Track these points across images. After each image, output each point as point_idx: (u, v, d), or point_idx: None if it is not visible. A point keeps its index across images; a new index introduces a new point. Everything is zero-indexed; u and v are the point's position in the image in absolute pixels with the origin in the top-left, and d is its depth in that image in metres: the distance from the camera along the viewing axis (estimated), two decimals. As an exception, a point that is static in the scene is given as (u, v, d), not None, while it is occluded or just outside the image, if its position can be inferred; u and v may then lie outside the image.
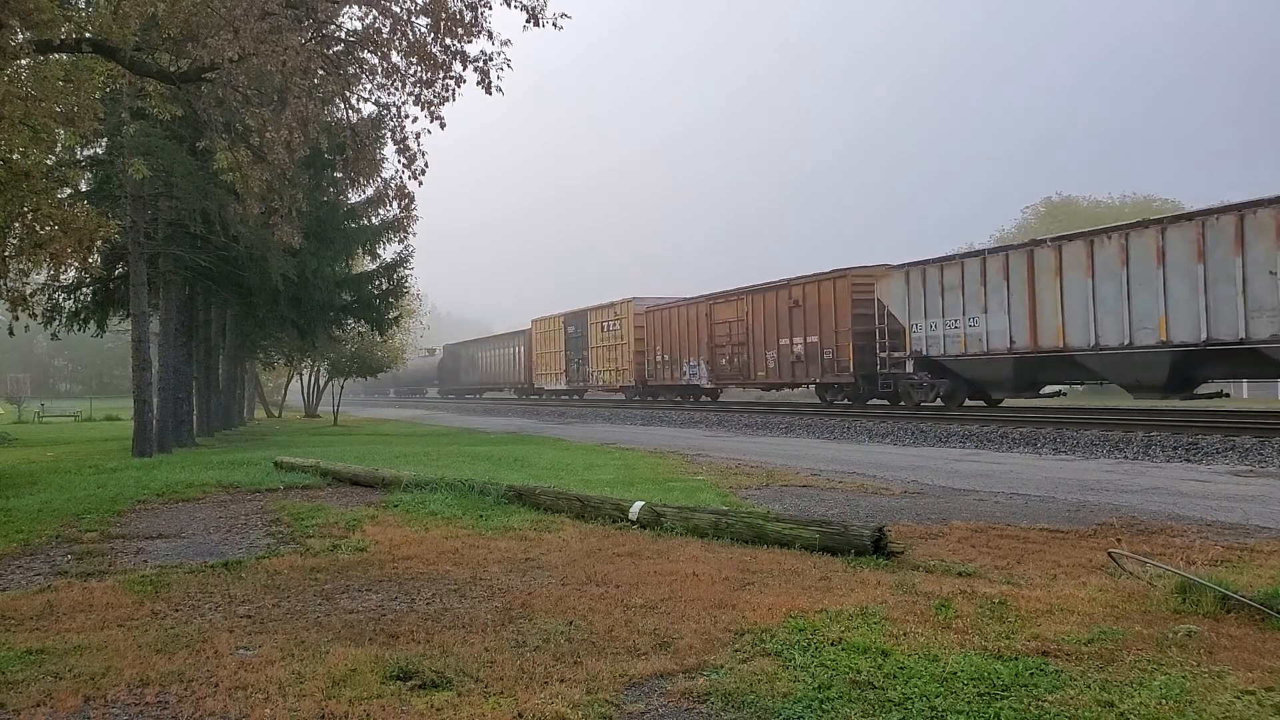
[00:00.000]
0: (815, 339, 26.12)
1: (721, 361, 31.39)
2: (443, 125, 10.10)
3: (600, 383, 41.05)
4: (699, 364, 32.89)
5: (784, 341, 27.58)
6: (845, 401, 26.53)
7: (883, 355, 23.92)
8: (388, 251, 25.80)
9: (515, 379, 52.79)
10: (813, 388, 28.56)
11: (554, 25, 9.98)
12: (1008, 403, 28.62)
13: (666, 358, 35.28)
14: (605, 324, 39.96)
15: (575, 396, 46.16)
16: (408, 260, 25.93)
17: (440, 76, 9.82)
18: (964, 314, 20.80)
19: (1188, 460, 12.81)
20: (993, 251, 21.11)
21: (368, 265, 27.36)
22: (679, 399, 35.97)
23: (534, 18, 9.84)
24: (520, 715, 3.30)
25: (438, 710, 3.35)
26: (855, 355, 24.72)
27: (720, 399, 36.10)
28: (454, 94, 9.97)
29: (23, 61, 10.06)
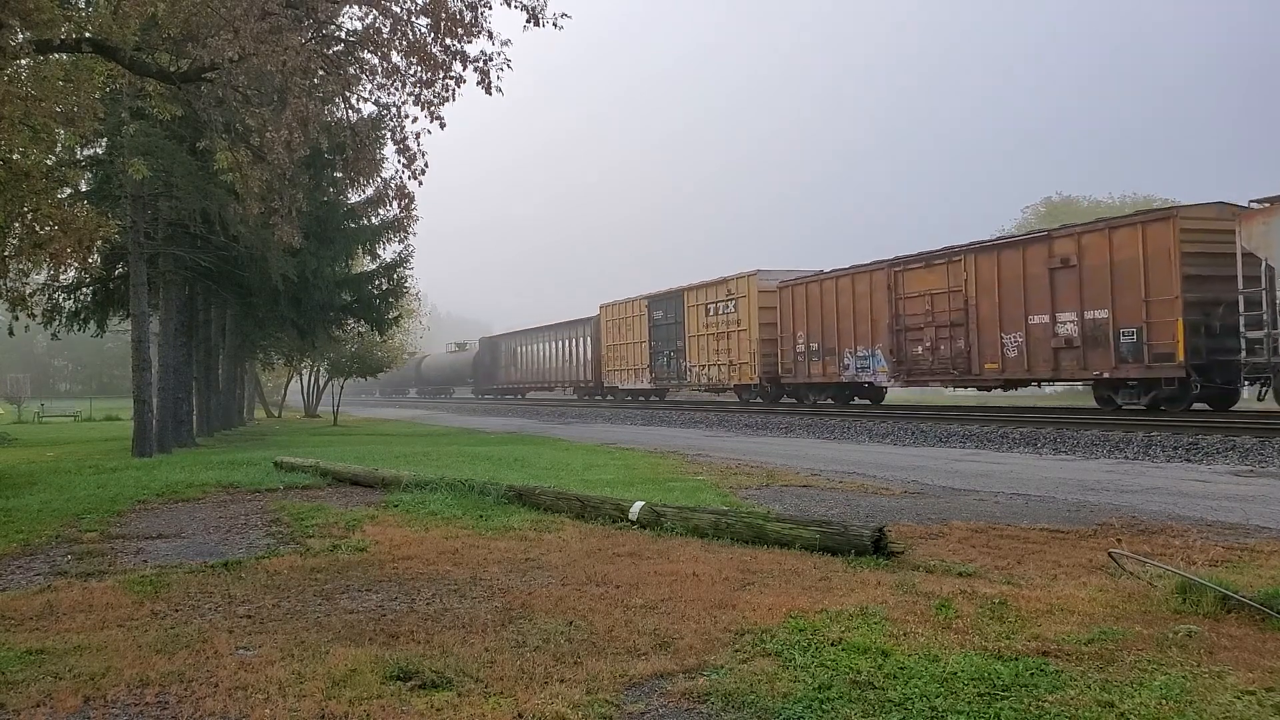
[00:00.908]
0: (1103, 313, 18.34)
1: (915, 350, 23.06)
2: (443, 125, 10.10)
3: (703, 380, 32.62)
4: (873, 354, 24.47)
5: (1038, 319, 19.77)
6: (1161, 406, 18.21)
7: (1256, 335, 15.75)
8: (388, 251, 25.83)
9: (575, 376, 44.78)
10: (1074, 384, 21.65)
11: (554, 25, 9.98)
12: (1008, 402, 27.90)
13: (813, 347, 26.53)
14: (712, 306, 31.34)
15: (656, 397, 38.96)
16: (408, 260, 25.96)
17: (440, 77, 9.82)
18: None
19: (1188, 460, 12.81)
20: None
21: (368, 265, 27.35)
22: (829, 400, 27.74)
23: (534, 18, 9.84)
24: (520, 715, 3.29)
25: (438, 710, 3.35)
26: (1187, 336, 16.85)
27: (884, 400, 28.37)
28: (454, 94, 9.96)
29: (23, 61, 10.06)
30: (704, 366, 32.26)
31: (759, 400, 30.31)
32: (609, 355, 39.85)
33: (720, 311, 31.15)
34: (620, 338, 38.73)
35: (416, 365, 71.54)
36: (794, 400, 29.39)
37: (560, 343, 46.30)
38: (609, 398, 41.43)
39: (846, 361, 25.54)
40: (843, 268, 25.90)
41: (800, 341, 27.34)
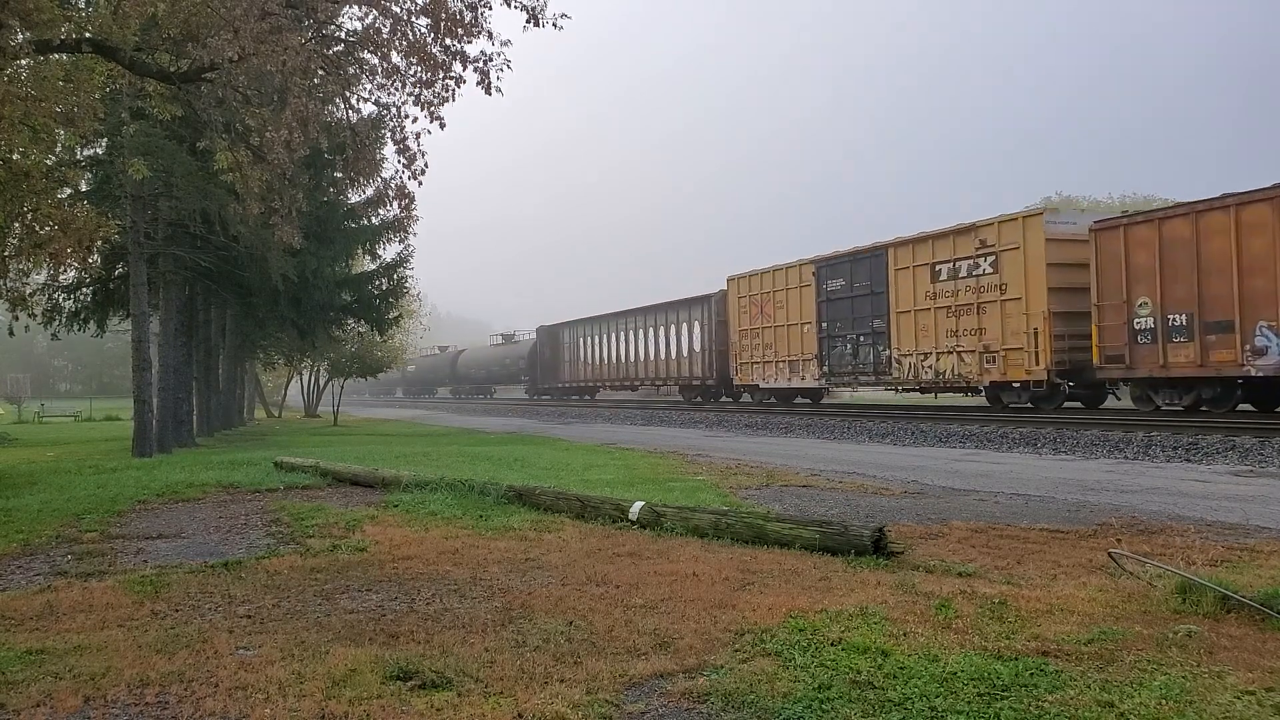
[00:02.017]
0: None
1: None
2: (442, 125, 10.10)
3: (926, 374, 22.43)
4: None
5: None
6: None
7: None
8: (388, 251, 25.82)
9: (679, 372, 34.79)
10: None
11: (554, 25, 9.97)
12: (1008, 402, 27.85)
13: (1176, 320, 16.84)
14: (946, 266, 21.79)
15: (814, 400, 29.77)
16: (408, 260, 25.95)
17: (440, 77, 9.82)
18: None
19: (1188, 460, 12.81)
20: None
21: (368, 265, 27.35)
22: (1180, 405, 17.51)
23: (534, 18, 9.84)
24: (520, 715, 3.29)
25: (438, 710, 3.35)
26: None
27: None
28: (454, 94, 9.96)
29: (23, 61, 10.06)
30: (927, 355, 22.23)
31: (1049, 407, 20.21)
32: (742, 343, 29.54)
33: (963, 274, 21.24)
34: (763, 319, 28.36)
35: (451, 362, 65.36)
36: (1141, 405, 18.61)
37: (656, 330, 36.52)
38: (744, 398, 31.36)
39: (1261, 341, 15.67)
40: (1242, 192, 16.14)
41: (1145, 311, 17.29)
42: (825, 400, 30.47)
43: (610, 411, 33.09)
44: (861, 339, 24.47)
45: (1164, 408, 17.88)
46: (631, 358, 38.60)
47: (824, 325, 25.87)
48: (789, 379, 27.67)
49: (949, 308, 21.76)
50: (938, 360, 22.17)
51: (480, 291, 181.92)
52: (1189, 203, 17.37)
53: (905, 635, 4.12)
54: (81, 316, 21.94)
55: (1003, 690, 3.41)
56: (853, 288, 24.81)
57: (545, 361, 48.01)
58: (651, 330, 37.02)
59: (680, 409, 32.40)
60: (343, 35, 10.55)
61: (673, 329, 35.32)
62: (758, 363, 29.06)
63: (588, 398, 45.43)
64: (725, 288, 31.12)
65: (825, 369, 25.90)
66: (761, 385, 29.24)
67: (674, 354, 35.21)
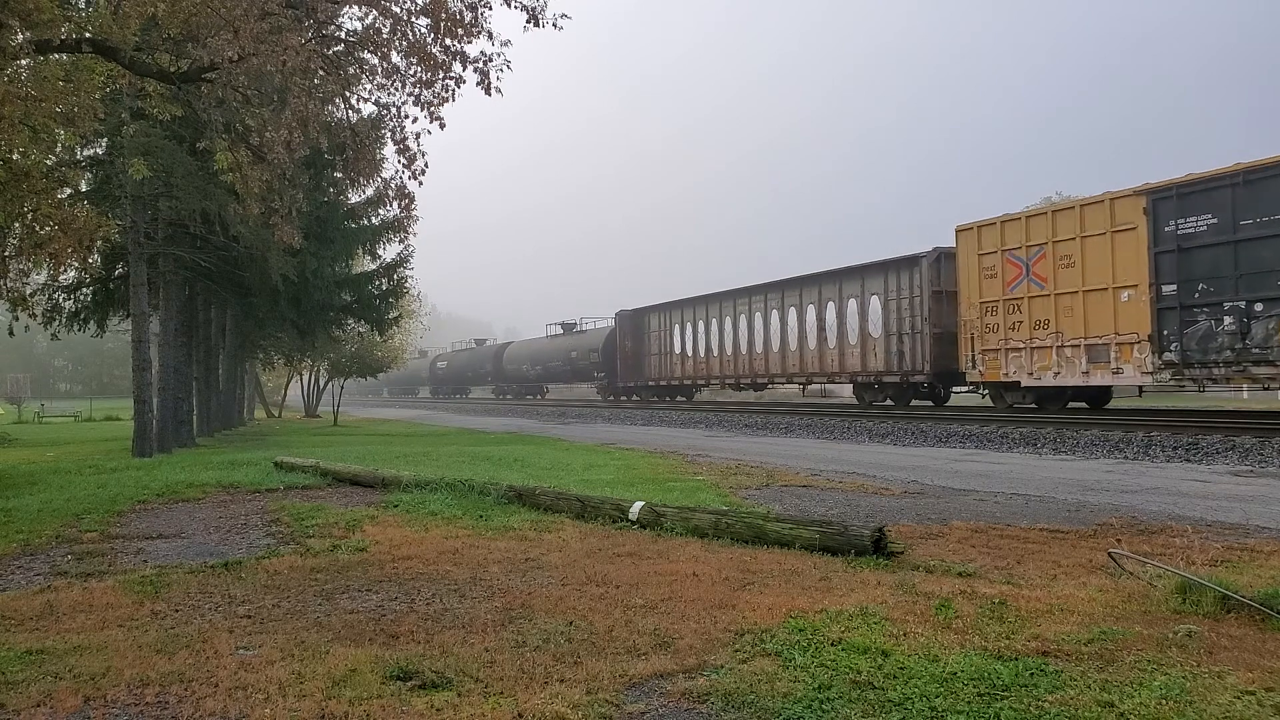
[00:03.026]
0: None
1: None
2: (442, 126, 10.09)
3: None
4: None
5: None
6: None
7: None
8: (388, 252, 25.82)
9: (854, 364, 25.85)
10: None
11: (554, 25, 9.97)
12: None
13: None
14: None
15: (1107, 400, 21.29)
16: (408, 260, 25.95)
17: (440, 77, 9.81)
18: None
19: (1188, 460, 12.81)
20: None
21: (368, 265, 27.35)
22: None
23: (534, 18, 9.83)
24: (520, 715, 3.29)
25: (438, 710, 3.35)
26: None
27: None
28: (454, 95, 9.95)
29: (23, 61, 10.05)
30: None
31: None
32: (986, 321, 20.54)
33: None
34: (1029, 285, 19.49)
35: (493, 356, 57.39)
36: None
37: (801, 310, 27.78)
38: (1013, 402, 21.13)
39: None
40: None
41: None
42: (1167, 404, 22.04)
43: (610, 411, 33.08)
44: (1262, 308, 15.37)
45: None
46: (757, 347, 30.09)
47: (1168, 288, 16.74)
48: (1085, 371, 18.40)
49: None
50: None
51: (480, 291, 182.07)
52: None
53: (905, 635, 4.12)
54: (81, 316, 21.94)
55: (1003, 690, 3.41)
56: (1237, 226, 15.59)
57: (627, 354, 39.35)
58: (793, 311, 28.31)
59: (681, 409, 32.39)
60: (343, 35, 10.55)
61: (830, 307, 26.63)
62: (1019, 349, 19.75)
63: (682, 399, 37.78)
64: (929, 253, 23.06)
65: (1172, 355, 16.66)
66: (1028, 382, 19.82)
67: (842, 341, 26.18)
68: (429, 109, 9.93)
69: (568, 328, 49.78)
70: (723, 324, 32.68)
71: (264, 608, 4.97)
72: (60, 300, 21.23)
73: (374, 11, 9.91)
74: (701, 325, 34.39)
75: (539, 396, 54.68)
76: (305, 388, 47.66)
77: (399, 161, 10.51)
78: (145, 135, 15.71)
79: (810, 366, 28.02)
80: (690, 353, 35.25)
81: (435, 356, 71.48)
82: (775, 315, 29.66)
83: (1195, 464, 12.41)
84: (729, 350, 32.32)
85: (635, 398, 40.64)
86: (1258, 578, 5.10)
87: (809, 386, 31.28)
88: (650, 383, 38.53)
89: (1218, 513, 7.93)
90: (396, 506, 8.79)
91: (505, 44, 10.05)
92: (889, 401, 25.75)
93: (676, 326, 36.33)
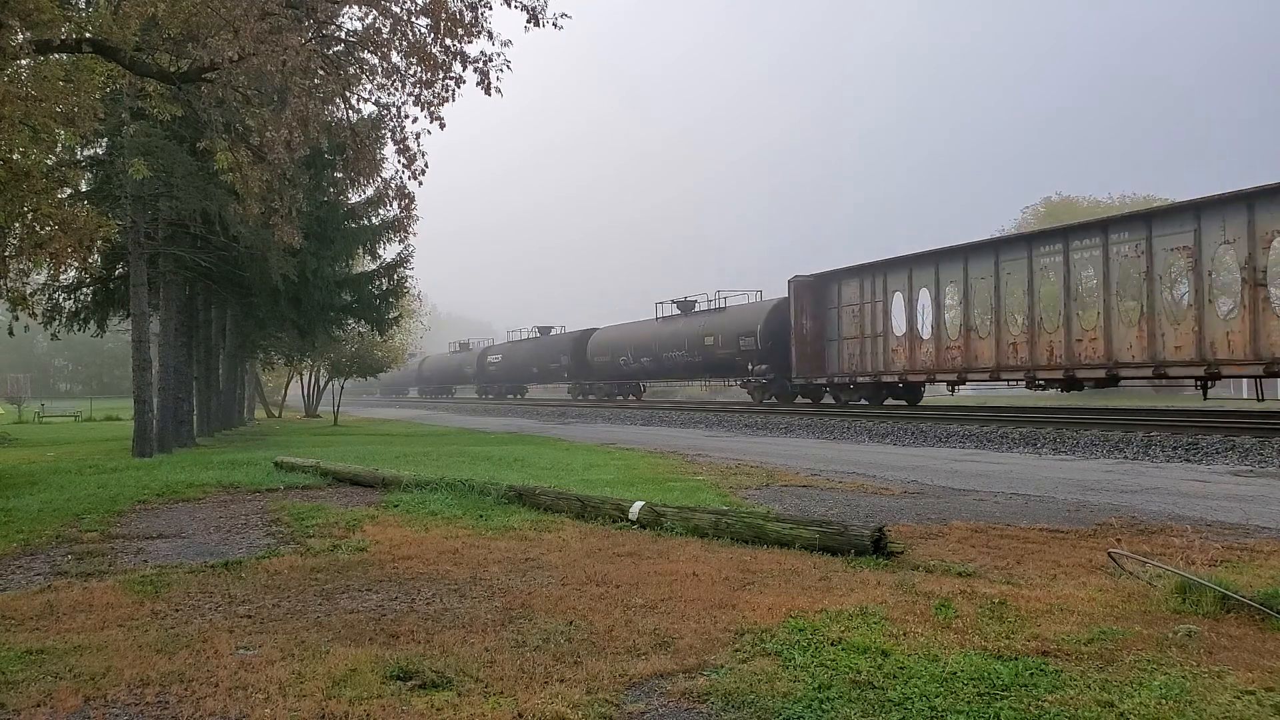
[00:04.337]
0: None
1: None
2: (443, 126, 10.10)
3: None
4: None
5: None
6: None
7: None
8: (388, 252, 25.83)
9: None
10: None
11: (554, 25, 9.97)
12: (1007, 402, 27.21)
13: None
14: None
15: None
16: (408, 260, 25.96)
17: (440, 77, 9.81)
18: None
19: (1188, 460, 12.81)
20: None
21: (368, 265, 27.36)
22: None
23: (534, 18, 9.84)
24: (520, 715, 3.29)
25: (438, 710, 3.35)
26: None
27: None
28: (454, 94, 9.96)
29: (23, 61, 10.06)
30: None
31: None
32: None
33: None
34: None
35: (569, 347, 46.33)
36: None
37: (1205, 248, 17.15)
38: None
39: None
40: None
41: None
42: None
43: (610, 411, 33.05)
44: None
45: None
46: (1084, 320, 19.76)
47: None
48: None
49: None
50: None
51: (480, 291, 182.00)
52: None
53: (905, 635, 4.12)
54: (81, 316, 21.95)
55: (1003, 690, 3.41)
56: None
57: (805, 338, 27.87)
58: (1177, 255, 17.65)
59: (682, 409, 32.29)
60: (343, 35, 10.55)
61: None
62: None
63: (901, 405, 26.18)
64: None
65: None
66: None
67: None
68: (429, 109, 9.93)
69: (685, 308, 37.33)
70: (1002, 283, 21.68)
71: (264, 607, 4.97)
72: (60, 300, 21.24)
73: (374, 11, 9.91)
74: (952, 290, 23.49)
75: (631, 397, 41.91)
76: (305, 388, 47.66)
77: (399, 161, 10.53)
78: (145, 135, 15.71)
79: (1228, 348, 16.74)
80: (907, 333, 24.65)
81: (484, 350, 59.31)
82: (1139, 260, 18.44)
83: (1195, 464, 12.40)
84: (1019, 324, 21.27)
85: (806, 408, 28.04)
86: (1258, 578, 5.10)
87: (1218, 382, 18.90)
88: (843, 379, 26.89)
89: (1218, 513, 7.93)
90: (397, 506, 8.79)
91: (505, 44, 10.05)
92: None
93: (899, 295, 25.01)
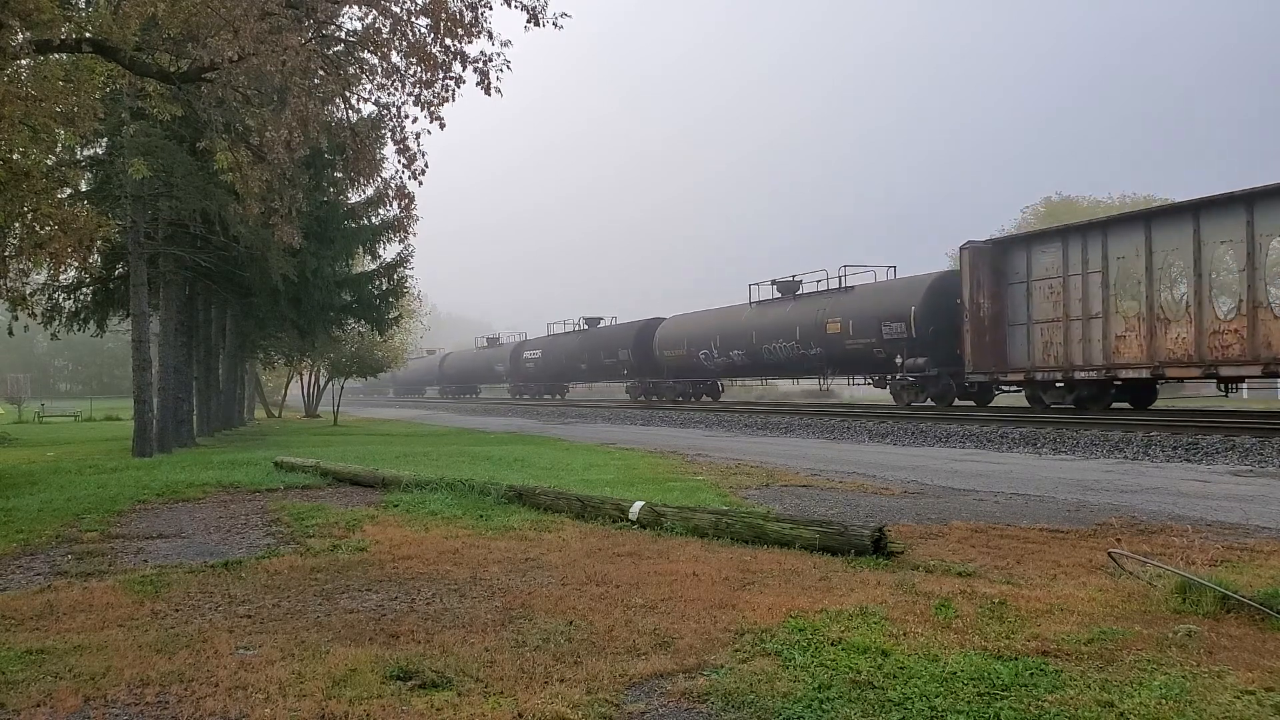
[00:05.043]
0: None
1: None
2: (442, 126, 10.10)
3: None
4: None
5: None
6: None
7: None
8: (388, 251, 25.83)
9: None
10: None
11: (554, 25, 9.98)
12: (1008, 402, 26.01)
13: None
14: None
15: None
16: (408, 260, 25.97)
17: (440, 77, 9.81)
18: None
19: (1188, 460, 12.81)
20: None
21: (368, 265, 27.37)
22: None
23: (534, 18, 9.84)
24: (520, 715, 3.29)
25: (438, 710, 3.35)
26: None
27: None
28: (454, 94, 9.96)
29: (23, 61, 10.05)
30: None
31: None
32: None
33: None
34: None
35: (634, 341, 39.06)
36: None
37: None
38: None
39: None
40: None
41: None
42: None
43: (610, 411, 33.04)
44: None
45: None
46: None
47: None
48: None
49: None
50: None
51: (480, 292, 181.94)
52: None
53: (905, 635, 4.12)
54: (81, 316, 21.95)
55: (1003, 690, 3.41)
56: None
57: (982, 322, 21.84)
58: None
59: (682, 409, 32.24)
60: (343, 35, 10.55)
61: None
62: None
63: (1124, 405, 20.43)
64: None
65: None
66: None
67: None
68: (429, 109, 9.94)
69: (788, 288, 29.94)
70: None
71: (264, 607, 4.97)
72: (60, 300, 21.24)
73: (374, 11, 9.92)
74: (1228, 252, 17.32)
75: (711, 399, 35.89)
76: (305, 388, 47.67)
77: (399, 161, 10.53)
78: (145, 135, 15.72)
79: None
80: (1152, 312, 18.31)
81: (518, 345, 54.28)
82: None
83: (1195, 464, 12.40)
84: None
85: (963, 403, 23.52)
86: (1258, 578, 5.10)
87: None
88: (1033, 374, 21.18)
89: (1218, 513, 7.93)
90: (396, 506, 8.79)
91: (505, 44, 10.06)
92: None
93: (1117, 264, 19.16)
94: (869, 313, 25.58)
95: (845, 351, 26.56)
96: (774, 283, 31.62)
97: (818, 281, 29.47)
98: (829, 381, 32.49)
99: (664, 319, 39.17)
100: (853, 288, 27.77)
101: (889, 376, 25.74)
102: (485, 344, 64.37)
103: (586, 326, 46.14)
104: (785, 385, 36.82)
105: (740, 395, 42.63)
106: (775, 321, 29.68)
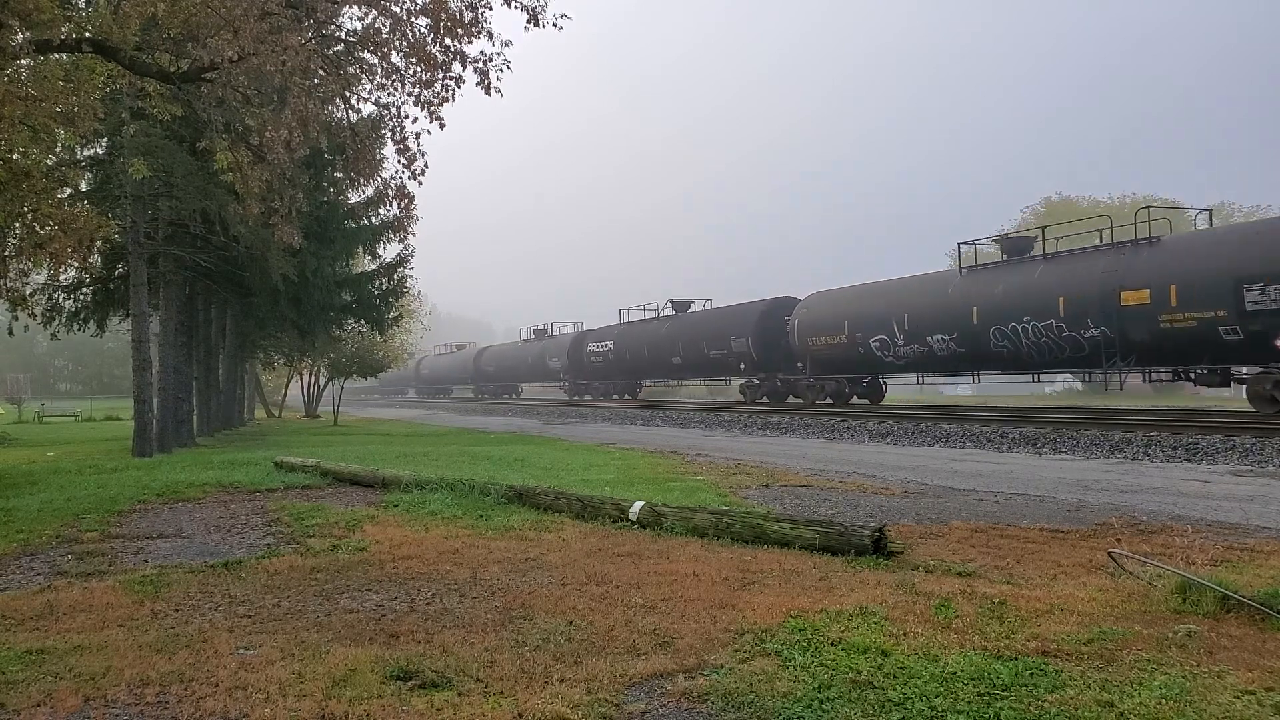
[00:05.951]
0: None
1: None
2: (442, 125, 10.10)
3: None
4: None
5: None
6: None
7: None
8: (388, 251, 25.83)
9: None
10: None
11: (554, 25, 9.98)
12: (1007, 403, 26.02)
13: None
14: None
15: None
16: (408, 260, 25.97)
17: (440, 77, 9.81)
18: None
19: (1188, 460, 12.81)
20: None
21: (368, 265, 27.37)
22: None
23: (534, 18, 9.84)
24: (520, 715, 3.29)
25: (438, 710, 3.35)
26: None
27: None
28: (454, 94, 9.96)
29: (23, 61, 10.05)
30: None
31: None
32: None
33: None
34: None
35: (754, 324, 30.79)
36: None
37: None
38: None
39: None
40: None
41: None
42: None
43: (610, 411, 33.05)
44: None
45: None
46: None
47: None
48: None
49: None
50: None
51: (480, 292, 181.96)
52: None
53: (905, 635, 4.12)
54: (81, 316, 21.95)
55: (1003, 690, 3.41)
56: None
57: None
58: None
59: (683, 409, 32.30)
60: (343, 35, 10.56)
61: None
62: None
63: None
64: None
65: None
66: None
67: None
68: (429, 109, 9.94)
69: (1018, 250, 22.80)
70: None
71: (264, 607, 4.97)
72: (60, 300, 21.24)
73: (374, 11, 9.92)
74: None
75: (871, 402, 28.18)
76: (305, 388, 47.66)
77: (399, 161, 10.53)
78: (145, 135, 15.71)
79: None
80: None
81: (579, 335, 46.82)
82: None
83: (1195, 464, 12.40)
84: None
85: None
86: (1258, 578, 5.10)
87: None
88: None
89: (1218, 513, 7.93)
90: (396, 506, 8.79)
91: (506, 44, 10.06)
92: None
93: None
94: (1173, 270, 17.88)
95: (1191, 336, 17.90)
96: (998, 237, 25.37)
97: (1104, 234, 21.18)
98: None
99: (803, 298, 30.08)
100: (1147, 243, 18.82)
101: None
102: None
103: (675, 312, 38.16)
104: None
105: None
106: (1024, 288, 20.90)
